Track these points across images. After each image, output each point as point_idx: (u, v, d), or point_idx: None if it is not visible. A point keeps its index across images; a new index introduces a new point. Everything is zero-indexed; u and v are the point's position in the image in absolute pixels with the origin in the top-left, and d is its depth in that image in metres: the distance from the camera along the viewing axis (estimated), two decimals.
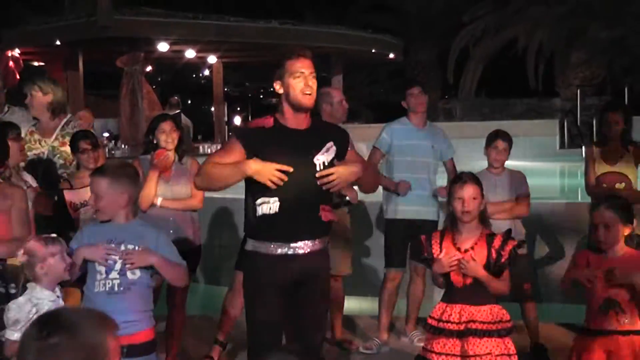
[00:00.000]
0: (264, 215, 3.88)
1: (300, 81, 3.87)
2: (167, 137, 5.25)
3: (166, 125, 5.31)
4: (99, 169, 3.95)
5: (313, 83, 3.90)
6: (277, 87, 3.95)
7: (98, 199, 3.79)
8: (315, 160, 3.89)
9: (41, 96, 5.53)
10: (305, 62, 3.91)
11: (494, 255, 3.98)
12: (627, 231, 4.11)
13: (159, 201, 5.22)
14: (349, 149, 4.07)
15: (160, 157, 5.16)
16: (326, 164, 3.91)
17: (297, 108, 3.92)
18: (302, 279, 3.96)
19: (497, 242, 4.01)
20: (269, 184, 3.78)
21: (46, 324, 2.01)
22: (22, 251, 3.66)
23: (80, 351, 2.00)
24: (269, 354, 2.14)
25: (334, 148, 3.96)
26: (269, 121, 3.99)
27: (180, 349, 5.53)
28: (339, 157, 3.97)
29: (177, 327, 5.43)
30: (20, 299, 3.62)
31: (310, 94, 3.89)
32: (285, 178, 3.78)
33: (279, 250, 3.90)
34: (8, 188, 4.31)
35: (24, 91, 5.64)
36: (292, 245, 3.90)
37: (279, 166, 3.79)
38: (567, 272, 4.27)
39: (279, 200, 3.84)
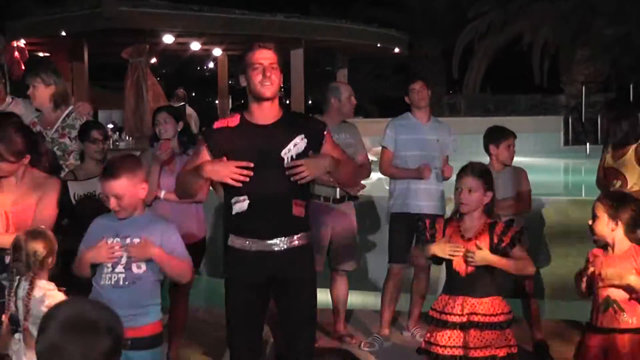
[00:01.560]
0: (238, 214, 3.87)
1: (258, 73, 3.83)
2: (161, 128, 5.33)
3: (159, 117, 5.39)
4: (110, 171, 3.81)
5: (273, 74, 3.84)
6: (242, 80, 3.93)
7: (120, 199, 3.75)
8: (282, 154, 3.83)
9: (44, 88, 5.52)
10: (265, 53, 3.86)
11: (495, 240, 4.00)
12: (615, 227, 4.08)
13: (162, 194, 5.23)
14: (323, 141, 3.96)
15: (164, 149, 5.19)
16: (294, 157, 3.84)
17: (259, 99, 3.88)
18: (281, 277, 3.91)
19: (498, 229, 4.03)
20: (230, 182, 3.76)
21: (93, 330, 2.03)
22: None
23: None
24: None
25: (305, 141, 3.88)
26: (234, 119, 3.97)
27: (182, 341, 5.53)
28: (313, 149, 3.88)
29: (180, 320, 5.42)
30: (36, 294, 3.62)
31: (269, 84, 3.84)
32: (250, 173, 3.75)
33: (254, 247, 3.87)
34: (43, 178, 4.27)
35: (26, 82, 5.62)
36: (268, 242, 3.86)
37: (237, 163, 3.76)
38: (581, 270, 4.23)
39: (249, 198, 3.82)
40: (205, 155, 3.91)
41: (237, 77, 4.02)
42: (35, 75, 5.57)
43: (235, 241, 3.93)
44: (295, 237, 3.90)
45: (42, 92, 5.53)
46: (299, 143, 3.87)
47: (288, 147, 3.84)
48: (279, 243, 3.86)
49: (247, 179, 3.75)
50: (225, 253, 4.03)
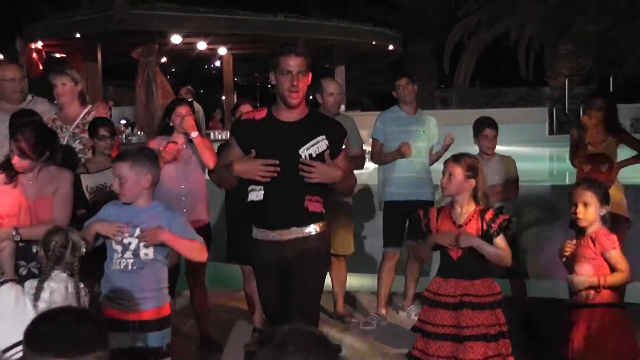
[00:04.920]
0: (252, 202, 3.86)
1: (287, 80, 3.75)
2: (182, 122, 5.17)
3: (182, 110, 5.24)
4: (120, 154, 3.90)
5: (300, 82, 3.75)
6: (272, 77, 3.86)
7: (122, 182, 3.75)
8: (301, 152, 3.78)
9: (73, 85, 5.49)
10: (296, 60, 3.74)
11: (484, 227, 3.98)
12: (604, 211, 4.06)
13: (194, 134, 5.14)
14: (342, 147, 3.92)
15: (170, 150, 5.09)
16: (313, 156, 3.78)
17: (284, 103, 3.84)
18: (295, 263, 3.83)
19: (488, 216, 4.01)
20: (259, 179, 3.75)
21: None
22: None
23: None
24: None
25: (325, 142, 3.82)
26: (261, 112, 3.92)
27: (208, 320, 5.52)
28: (332, 152, 3.83)
29: (202, 303, 5.42)
30: (56, 285, 3.57)
31: (296, 92, 3.75)
32: (274, 169, 3.72)
33: (270, 236, 3.86)
34: (56, 171, 4.30)
35: (53, 82, 5.54)
36: (280, 232, 3.83)
37: (263, 161, 3.73)
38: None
39: (264, 189, 3.80)
40: (235, 147, 3.90)
41: (270, 73, 3.88)
42: (64, 74, 5.51)
43: (255, 232, 3.94)
44: (311, 226, 3.85)
45: (72, 89, 5.48)
46: (319, 143, 3.81)
47: (307, 145, 3.79)
48: (291, 233, 3.83)
49: (275, 174, 3.73)
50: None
